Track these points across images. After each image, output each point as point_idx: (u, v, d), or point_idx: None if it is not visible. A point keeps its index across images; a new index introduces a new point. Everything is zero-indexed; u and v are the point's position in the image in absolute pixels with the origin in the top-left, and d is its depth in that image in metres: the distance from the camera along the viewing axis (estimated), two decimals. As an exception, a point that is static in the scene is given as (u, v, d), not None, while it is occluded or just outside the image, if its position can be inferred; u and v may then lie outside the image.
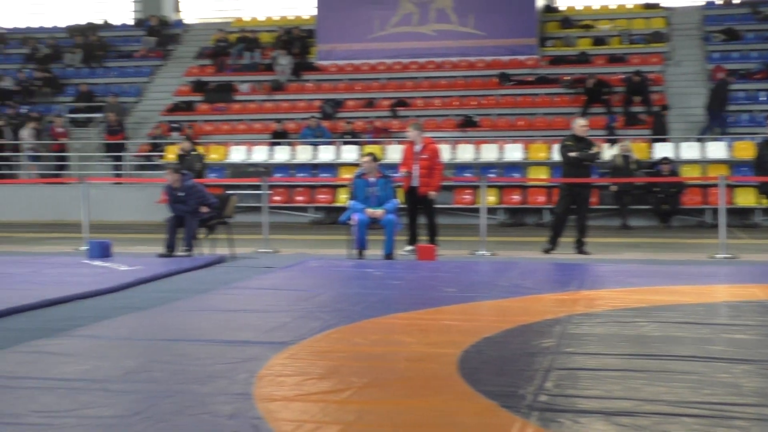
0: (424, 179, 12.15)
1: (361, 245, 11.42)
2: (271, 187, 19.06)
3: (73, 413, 4.32)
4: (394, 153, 18.61)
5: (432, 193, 12.23)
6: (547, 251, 12.07)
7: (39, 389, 4.77)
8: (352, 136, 21.02)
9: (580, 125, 12.25)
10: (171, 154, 19.71)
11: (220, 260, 11.35)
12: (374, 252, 11.45)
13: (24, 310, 7.50)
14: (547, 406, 4.42)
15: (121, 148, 21.91)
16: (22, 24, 30.56)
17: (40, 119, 23.05)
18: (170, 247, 11.58)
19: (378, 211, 11.37)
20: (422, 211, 12.39)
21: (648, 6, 26.00)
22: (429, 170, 12.17)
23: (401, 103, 22.86)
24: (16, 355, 5.70)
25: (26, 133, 22.11)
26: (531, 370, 5.17)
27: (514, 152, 19.81)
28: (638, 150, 18.79)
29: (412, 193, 12.26)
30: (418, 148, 12.26)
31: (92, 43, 27.20)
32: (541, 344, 5.93)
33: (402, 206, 12.14)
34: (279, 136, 21.49)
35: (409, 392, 4.82)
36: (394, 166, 14.15)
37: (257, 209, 15.67)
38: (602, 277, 9.64)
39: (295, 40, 25.67)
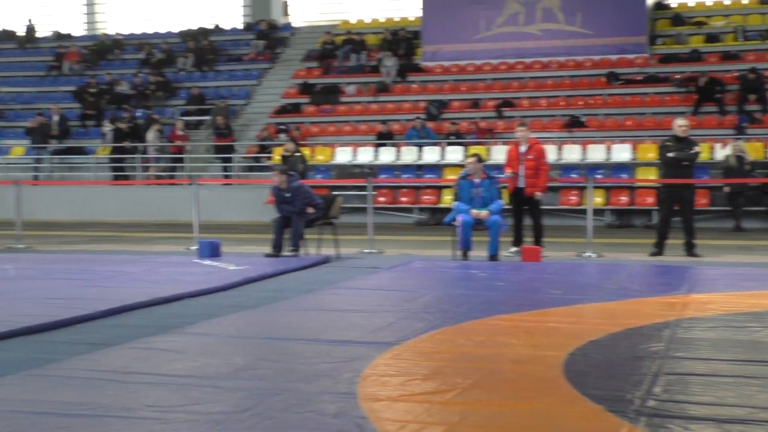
0: (531, 180, 12.05)
1: (466, 246, 11.38)
2: (376, 187, 19.18)
3: (183, 408, 4.44)
4: (499, 154, 18.48)
5: (538, 194, 12.11)
6: (653, 255, 11.81)
7: (151, 384, 4.92)
8: (457, 137, 20.98)
9: (679, 125, 11.95)
10: (277, 156, 20.02)
11: (325, 260, 11.47)
12: (479, 253, 11.39)
13: (138, 308, 7.73)
14: (655, 411, 4.32)
15: (230, 149, 22.37)
16: (137, 30, 31.54)
17: (159, 121, 23.70)
18: (277, 247, 11.76)
19: (483, 212, 11.31)
20: (528, 212, 12.28)
21: (764, 1, 25.14)
22: (535, 171, 12.06)
23: (507, 103, 22.70)
24: (130, 351, 5.88)
25: (151, 135, 22.75)
26: (639, 374, 5.07)
27: (622, 153, 19.44)
28: (753, 150, 18.19)
29: (517, 194, 12.16)
30: (523, 148, 12.15)
31: (204, 47, 27.87)
32: (649, 348, 5.81)
33: (507, 207, 12.05)
34: (384, 137, 21.60)
35: (514, 394, 4.79)
36: (499, 167, 14.06)
37: (362, 210, 15.78)
38: (714, 280, 9.37)
39: (400, 41, 25.76)
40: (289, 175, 12.02)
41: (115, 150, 22.92)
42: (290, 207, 11.79)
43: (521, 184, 12.07)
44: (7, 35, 31.71)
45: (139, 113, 24.70)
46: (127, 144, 22.75)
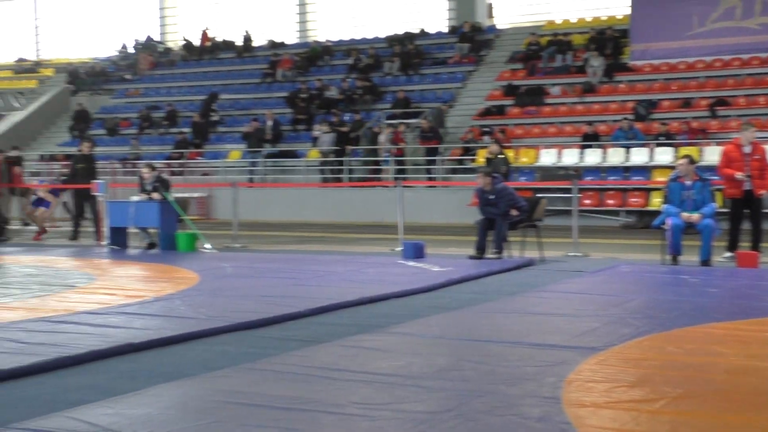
0: (757, 181, 11.45)
1: (676, 251, 10.97)
2: (581, 190, 18.83)
3: (388, 407, 4.52)
4: (711, 155, 17.70)
5: (764, 192, 11.50)
6: None
7: (358, 382, 5.04)
8: (667, 138, 20.27)
9: None
10: (481, 158, 20.04)
11: (529, 263, 11.38)
12: (689, 258, 10.96)
13: (346, 307, 7.96)
14: None
15: (434, 152, 22.58)
16: (346, 37, 32.49)
17: (393, 125, 24.07)
18: (480, 249, 11.77)
19: (694, 216, 10.87)
20: (749, 215, 11.65)
21: None
22: (760, 171, 11.47)
23: (721, 102, 21.71)
24: (338, 348, 6.06)
25: (383, 138, 23.27)
26: None
27: None
28: None
29: (746, 197, 11.52)
30: (748, 149, 11.54)
31: (409, 51, 28.32)
32: None
33: (722, 210, 11.51)
34: (590, 139, 21.18)
35: (728, 407, 4.57)
36: (712, 169, 13.47)
37: (567, 212, 15.54)
38: None
39: (607, 40, 25.19)
40: (493, 177, 12.00)
41: (337, 153, 23.48)
42: (494, 209, 11.78)
43: (748, 186, 11.47)
44: (227, 45, 33.46)
45: (346, 117, 25.39)
46: (352, 148, 23.35)
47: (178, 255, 13.09)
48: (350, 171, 23.45)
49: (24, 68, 36.47)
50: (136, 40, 35.11)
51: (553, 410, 4.42)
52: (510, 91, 24.83)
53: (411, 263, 11.33)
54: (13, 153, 18.96)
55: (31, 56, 37.95)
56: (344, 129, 23.83)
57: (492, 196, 11.85)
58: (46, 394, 4.96)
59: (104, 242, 14.52)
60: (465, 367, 5.42)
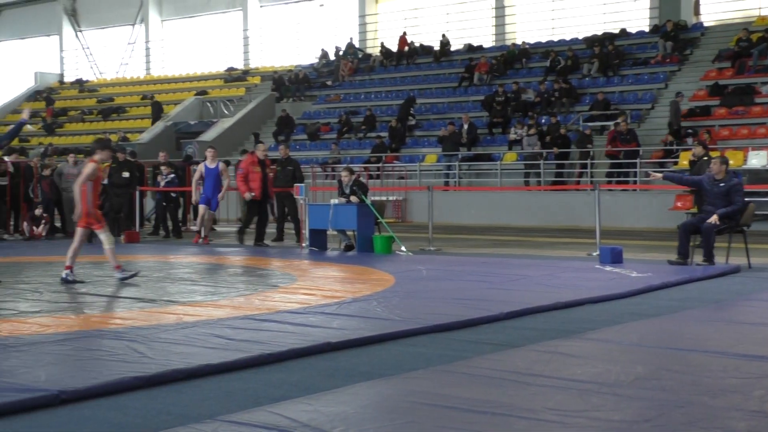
0: None
1: None
2: (795, 194, 17.80)
3: (583, 414, 4.43)
4: None
5: None
6: None
7: (552, 387, 4.97)
8: None
9: None
10: (684, 161, 19.31)
11: (735, 270, 10.87)
12: None
13: (540, 311, 7.88)
14: None
15: (634, 155, 21.94)
16: (543, 39, 32.13)
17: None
18: (682, 255, 11.33)
19: None
20: None
21: None
22: None
23: None
24: (532, 353, 6.00)
25: (613, 124, 22.79)
26: None
27: None
28: None
29: None
30: None
31: (609, 52, 27.67)
32: None
33: None
34: (804, 140, 20.00)
35: None
36: None
37: (778, 218, 14.72)
38: None
39: (826, 34, 23.70)
40: (728, 170, 11.44)
41: (560, 156, 23.19)
42: (719, 201, 11.18)
43: None
44: (424, 50, 33.84)
45: (543, 120, 25.09)
46: (548, 151, 23.10)
47: (375, 257, 13.34)
48: (552, 174, 23.12)
49: (233, 77, 38.31)
50: (336, 47, 36.11)
51: (761, 425, 4.20)
52: (716, 90, 23.80)
53: (608, 268, 11.08)
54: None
55: (240, 65, 39.79)
56: (563, 130, 23.43)
57: (722, 185, 11.26)
58: (250, 389, 5.18)
59: (304, 244, 15.01)
60: (665, 376, 5.24)
